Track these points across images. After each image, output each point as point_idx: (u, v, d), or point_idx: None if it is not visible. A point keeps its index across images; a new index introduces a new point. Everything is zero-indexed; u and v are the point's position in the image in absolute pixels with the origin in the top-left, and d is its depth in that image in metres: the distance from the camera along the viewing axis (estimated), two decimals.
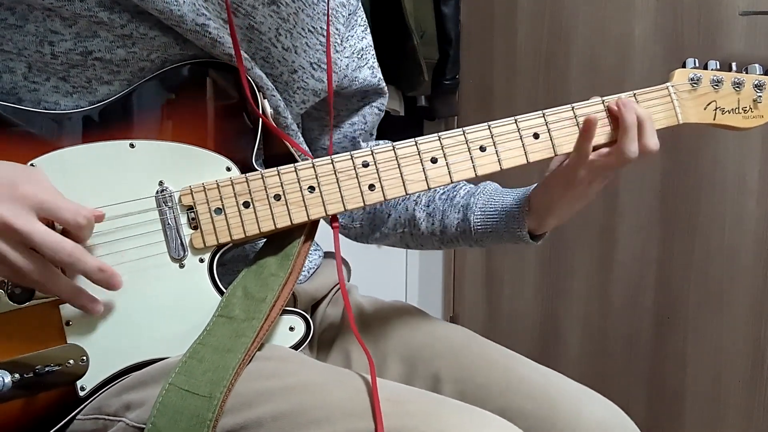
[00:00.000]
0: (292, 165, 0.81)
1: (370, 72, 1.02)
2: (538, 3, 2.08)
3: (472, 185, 1.00)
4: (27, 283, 0.71)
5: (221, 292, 0.79)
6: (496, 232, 0.96)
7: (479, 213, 0.96)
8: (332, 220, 0.84)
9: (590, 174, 0.89)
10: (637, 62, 1.89)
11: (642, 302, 1.96)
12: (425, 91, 2.10)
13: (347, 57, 0.99)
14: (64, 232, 0.70)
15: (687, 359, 1.89)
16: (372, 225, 1.05)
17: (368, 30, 1.04)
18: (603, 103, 0.90)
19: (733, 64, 0.96)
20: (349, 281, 1.08)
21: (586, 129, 0.87)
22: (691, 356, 1.88)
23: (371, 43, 1.04)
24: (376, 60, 1.05)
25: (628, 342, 2.00)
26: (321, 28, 0.93)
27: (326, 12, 0.94)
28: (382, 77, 1.05)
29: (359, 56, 1.01)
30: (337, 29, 0.96)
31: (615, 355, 2.03)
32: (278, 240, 0.83)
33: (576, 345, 2.11)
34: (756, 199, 1.75)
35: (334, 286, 1.03)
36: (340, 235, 1.03)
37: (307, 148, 0.98)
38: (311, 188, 0.81)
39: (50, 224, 0.70)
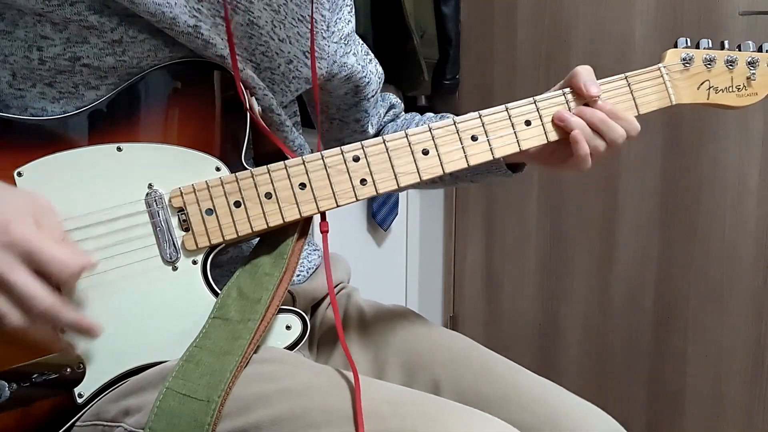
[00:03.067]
0: (282, 162, 0.80)
1: (355, 59, 1.02)
2: (538, 3, 2.08)
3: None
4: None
5: (216, 294, 0.79)
6: (477, 170, 0.95)
7: None
8: (321, 224, 0.84)
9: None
10: (637, 62, 1.87)
11: (642, 302, 1.96)
12: (425, 91, 2.10)
13: (335, 42, 0.99)
14: None
15: (687, 359, 1.89)
16: None
17: (353, 11, 1.04)
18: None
19: (726, 42, 0.94)
20: (348, 282, 1.08)
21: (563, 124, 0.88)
22: (691, 356, 1.88)
23: (354, 28, 1.04)
24: (358, 46, 1.04)
25: (628, 342, 2.00)
26: (309, 16, 0.93)
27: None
28: (365, 65, 1.05)
29: (345, 42, 1.01)
30: (322, 15, 0.96)
31: (615, 355, 2.03)
32: (271, 239, 0.83)
33: (576, 345, 2.11)
34: (756, 199, 1.74)
35: (335, 287, 1.03)
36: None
37: (302, 144, 0.98)
38: (302, 185, 0.81)
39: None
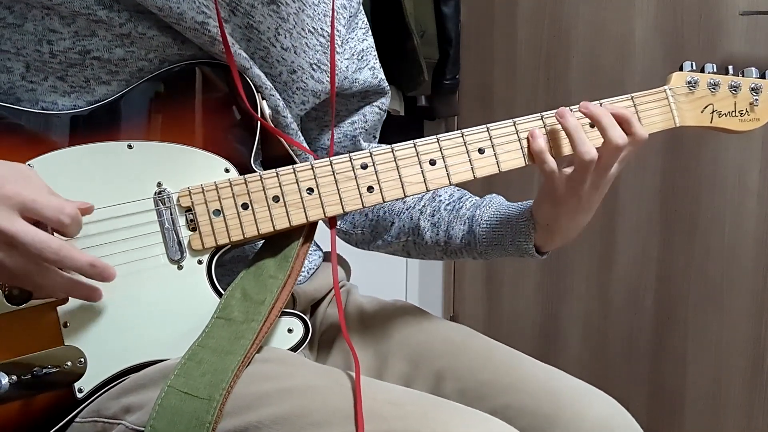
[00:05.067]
0: (290, 166, 0.81)
1: (370, 73, 1.02)
2: (538, 3, 2.08)
3: (478, 198, 0.99)
4: (21, 284, 0.71)
5: (220, 294, 0.79)
6: (502, 245, 0.94)
7: (485, 225, 0.95)
8: (330, 220, 0.84)
9: (570, 189, 0.87)
10: (637, 62, 1.89)
11: (642, 302, 1.96)
12: (425, 91, 2.10)
13: (347, 59, 0.99)
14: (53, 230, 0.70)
15: (687, 359, 1.89)
16: (374, 232, 1.04)
17: (369, 32, 1.04)
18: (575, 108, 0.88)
19: (730, 68, 0.96)
20: (348, 281, 1.08)
21: (531, 144, 0.86)
22: (691, 356, 1.88)
23: (372, 44, 1.04)
24: (377, 60, 1.04)
25: (628, 342, 2.00)
26: (322, 29, 0.93)
27: (327, 13, 0.94)
28: (384, 77, 1.05)
29: (359, 58, 1.01)
30: (338, 31, 0.96)
31: (615, 355, 2.03)
32: (277, 242, 0.83)
33: (576, 345, 2.11)
34: (756, 199, 1.74)
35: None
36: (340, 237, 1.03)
37: (307, 147, 0.98)
38: (310, 190, 0.81)
39: (37, 223, 0.69)
